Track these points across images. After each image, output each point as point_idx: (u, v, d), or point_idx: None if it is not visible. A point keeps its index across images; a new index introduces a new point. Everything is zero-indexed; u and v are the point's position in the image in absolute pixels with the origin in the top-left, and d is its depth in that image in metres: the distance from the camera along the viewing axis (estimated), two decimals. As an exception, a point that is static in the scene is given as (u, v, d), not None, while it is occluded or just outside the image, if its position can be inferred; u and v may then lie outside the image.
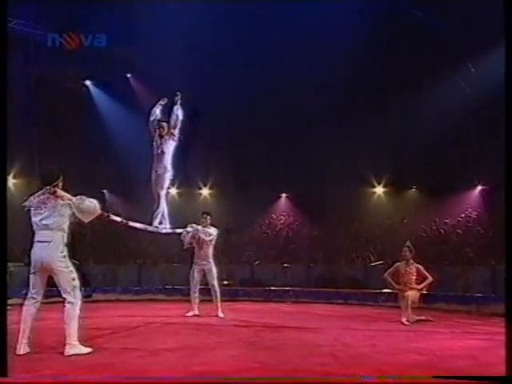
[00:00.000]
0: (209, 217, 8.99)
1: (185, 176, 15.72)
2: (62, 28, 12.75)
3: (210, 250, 8.94)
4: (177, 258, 13.36)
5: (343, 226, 13.87)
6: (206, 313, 8.90)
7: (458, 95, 12.51)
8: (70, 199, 5.17)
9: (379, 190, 15.20)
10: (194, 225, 8.75)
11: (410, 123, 13.22)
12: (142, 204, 14.70)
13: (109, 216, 6.45)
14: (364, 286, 12.07)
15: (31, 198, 5.26)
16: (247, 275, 13.22)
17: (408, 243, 8.47)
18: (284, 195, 15.75)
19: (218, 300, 8.86)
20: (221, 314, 8.70)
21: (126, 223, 7.18)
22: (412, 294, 8.03)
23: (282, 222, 15.26)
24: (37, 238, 5.13)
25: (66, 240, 5.14)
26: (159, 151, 7.81)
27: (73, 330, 4.99)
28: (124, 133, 14.38)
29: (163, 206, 7.90)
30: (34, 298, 5.13)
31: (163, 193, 7.90)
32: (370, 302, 11.36)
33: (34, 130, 13.38)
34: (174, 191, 16.29)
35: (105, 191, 16.20)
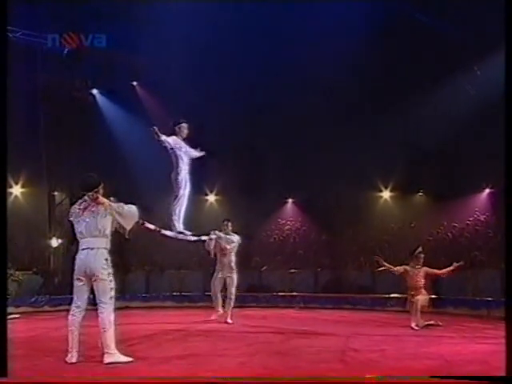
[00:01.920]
0: (230, 223, 9.08)
1: (191, 182, 15.74)
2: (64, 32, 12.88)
3: (233, 258, 9.01)
4: (185, 264, 13.38)
5: (350, 230, 13.81)
6: (214, 319, 8.91)
7: (464, 98, 12.46)
8: (110, 205, 5.22)
9: (386, 194, 15.12)
10: (217, 231, 8.77)
11: (417, 127, 13.18)
12: (149, 211, 14.77)
13: (144, 223, 6.52)
14: (372, 290, 12.01)
15: (72, 208, 5.29)
16: (255, 281, 13.19)
17: (420, 248, 8.43)
18: (290, 200, 15.71)
19: (231, 306, 8.89)
20: (229, 320, 8.72)
21: (159, 231, 7.29)
22: (421, 299, 7.98)
23: (288, 227, 15.23)
24: (81, 245, 5.13)
25: (109, 246, 5.16)
26: (185, 153, 7.54)
27: (109, 339, 4.97)
28: (131, 140, 14.44)
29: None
30: (79, 307, 5.09)
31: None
32: (378, 307, 11.31)
33: (41, 139, 13.48)
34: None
35: (112, 199, 16.28)
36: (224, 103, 13.86)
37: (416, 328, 7.70)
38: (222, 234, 8.87)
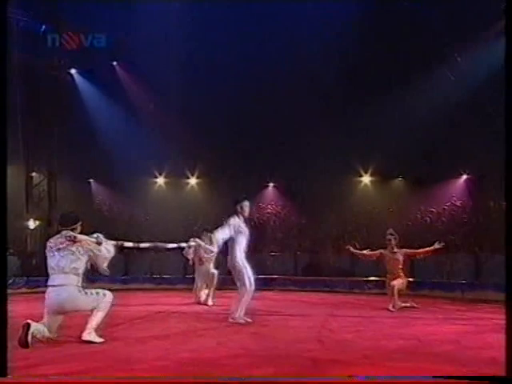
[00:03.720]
0: (209, 234, 8.96)
1: (172, 165, 15.67)
2: (47, 16, 12.60)
3: (211, 267, 9.07)
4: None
5: (330, 214, 13.93)
6: (193, 301, 8.97)
7: (444, 85, 12.59)
8: (88, 244, 5.12)
9: (366, 179, 15.27)
10: (197, 239, 8.66)
11: (397, 113, 13.27)
12: (126, 192, 14.69)
13: (122, 244, 6.49)
14: (350, 273, 12.20)
15: (48, 242, 5.18)
16: (235, 264, 13.25)
17: (391, 230, 8.51)
18: (271, 184, 15.76)
19: (212, 288, 8.95)
20: (210, 302, 8.78)
21: (138, 246, 7.28)
22: (399, 283, 8.12)
23: (269, 211, 15.29)
24: (51, 281, 5.02)
25: (80, 284, 5.07)
26: (245, 235, 6.77)
27: (97, 320, 5.05)
28: (109, 122, 14.26)
29: None
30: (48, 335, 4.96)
31: None
32: (356, 289, 11.50)
33: (17, 118, 13.18)
34: (161, 180, 16.26)
35: (91, 180, 16.10)
36: (208, 85, 13.74)
37: (392, 310, 7.86)
38: (201, 243, 8.64)
